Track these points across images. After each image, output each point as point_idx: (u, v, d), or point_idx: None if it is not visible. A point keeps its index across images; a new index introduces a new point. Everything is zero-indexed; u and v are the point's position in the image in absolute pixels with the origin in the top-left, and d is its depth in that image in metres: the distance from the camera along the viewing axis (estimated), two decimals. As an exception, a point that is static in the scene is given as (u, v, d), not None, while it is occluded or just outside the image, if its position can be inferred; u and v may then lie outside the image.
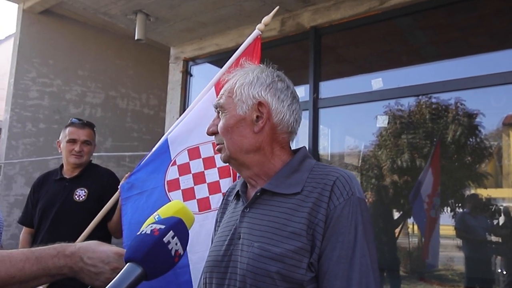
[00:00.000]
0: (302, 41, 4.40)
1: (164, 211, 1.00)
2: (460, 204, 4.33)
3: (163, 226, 0.87)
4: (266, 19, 2.30)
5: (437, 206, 4.02)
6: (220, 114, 1.21)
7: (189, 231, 2.16)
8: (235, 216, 1.20)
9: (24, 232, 2.88)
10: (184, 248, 0.91)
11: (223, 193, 2.07)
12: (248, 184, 1.24)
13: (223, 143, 1.18)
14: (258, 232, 1.09)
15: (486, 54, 3.95)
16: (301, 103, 4.05)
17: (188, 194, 2.18)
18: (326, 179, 1.09)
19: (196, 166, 2.19)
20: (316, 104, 4.14)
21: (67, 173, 2.83)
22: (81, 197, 2.71)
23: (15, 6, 6.94)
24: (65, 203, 2.70)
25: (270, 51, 4.48)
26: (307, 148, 4.12)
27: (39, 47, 6.95)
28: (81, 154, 2.78)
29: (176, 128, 2.27)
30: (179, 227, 0.90)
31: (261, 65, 1.29)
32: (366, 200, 4.67)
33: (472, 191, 4.23)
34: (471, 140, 4.33)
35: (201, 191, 2.15)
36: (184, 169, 2.20)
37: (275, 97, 1.17)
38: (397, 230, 4.57)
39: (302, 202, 1.07)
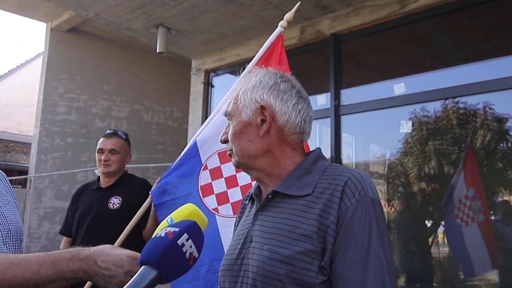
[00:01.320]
0: (322, 48, 4.38)
1: (177, 214, 1.00)
2: (491, 212, 4.17)
3: (177, 229, 0.87)
4: (288, 15, 2.26)
5: (477, 210, 3.87)
6: (230, 121, 1.23)
7: (227, 234, 2.15)
8: (249, 219, 1.21)
9: (64, 242, 2.98)
10: (199, 251, 0.90)
11: None
12: (261, 187, 1.23)
13: (232, 150, 1.20)
14: (268, 235, 1.08)
15: (513, 56, 3.83)
16: (322, 110, 4.02)
17: (222, 199, 2.20)
18: (338, 180, 1.06)
19: (228, 169, 2.19)
20: (337, 111, 4.10)
21: (103, 183, 2.92)
22: (115, 205, 2.76)
23: (43, 25, 7.21)
24: (100, 211, 2.77)
25: (290, 60, 4.41)
26: (329, 156, 4.11)
27: (67, 63, 7.17)
28: (108, 163, 2.84)
29: (204, 131, 2.26)
30: (193, 229, 0.90)
31: (270, 68, 1.28)
32: (394, 209, 4.59)
33: (504, 198, 4.06)
34: (501, 145, 4.17)
35: (234, 194, 2.16)
36: (216, 173, 2.21)
37: (278, 98, 1.16)
38: (427, 239, 4.43)
39: (313, 203, 1.05)
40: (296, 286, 1.00)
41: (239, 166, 1.22)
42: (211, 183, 2.20)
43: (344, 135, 4.23)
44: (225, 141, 1.24)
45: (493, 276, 3.94)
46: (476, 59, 4.03)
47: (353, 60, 4.57)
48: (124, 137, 2.97)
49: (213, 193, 2.19)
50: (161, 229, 0.90)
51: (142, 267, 0.85)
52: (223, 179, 2.20)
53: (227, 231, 2.11)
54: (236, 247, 1.19)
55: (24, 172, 8.55)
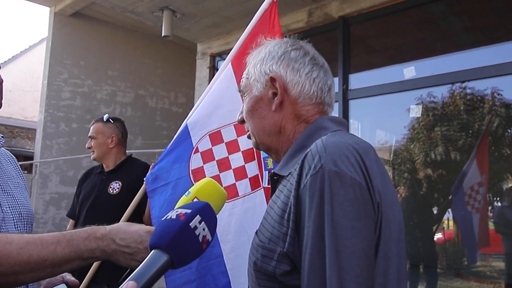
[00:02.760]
0: (330, 32, 4.32)
1: (194, 187, 0.99)
2: (498, 198, 4.16)
3: (189, 211, 0.82)
4: None
5: (480, 196, 3.85)
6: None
7: (219, 221, 2.08)
8: None
9: (70, 225, 3.01)
10: (213, 234, 0.85)
11: (249, 178, 2.01)
12: None
13: (249, 130, 1.12)
14: (262, 220, 1.01)
15: (526, 39, 3.77)
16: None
17: None
18: (304, 153, 0.92)
19: (220, 151, 2.08)
20: (345, 96, 4.06)
21: (105, 167, 2.92)
22: (115, 189, 2.75)
23: (47, 10, 7.14)
24: (100, 195, 2.76)
25: (298, 44, 4.40)
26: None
27: (71, 48, 7.12)
28: (91, 150, 2.89)
29: (195, 112, 2.15)
30: (206, 211, 0.84)
31: (284, 38, 1.16)
32: (399, 195, 4.57)
33: (510, 185, 4.04)
34: (509, 131, 4.14)
35: (227, 178, 2.05)
36: (207, 156, 2.10)
37: (289, 68, 1.06)
38: (433, 225, 4.42)
39: (287, 183, 0.94)
40: (262, 275, 0.91)
41: (258, 147, 1.13)
42: (202, 166, 2.09)
43: (350, 121, 4.20)
44: (242, 121, 1.15)
45: (499, 262, 3.94)
46: (487, 43, 3.98)
47: (362, 44, 4.52)
48: (104, 120, 2.93)
49: (205, 177, 2.03)
50: (173, 210, 0.84)
51: (153, 251, 0.79)
52: (215, 162, 2.08)
53: (221, 216, 2.04)
54: None
55: (30, 157, 8.57)
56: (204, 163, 2.10)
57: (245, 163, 2.04)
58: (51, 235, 1.06)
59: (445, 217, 4.40)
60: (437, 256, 4.39)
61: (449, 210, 4.29)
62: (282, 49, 1.09)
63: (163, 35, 4.53)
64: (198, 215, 0.81)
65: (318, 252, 0.81)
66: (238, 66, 2.09)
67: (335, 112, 4.16)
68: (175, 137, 2.17)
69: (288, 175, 0.96)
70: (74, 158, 6.75)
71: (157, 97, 8.02)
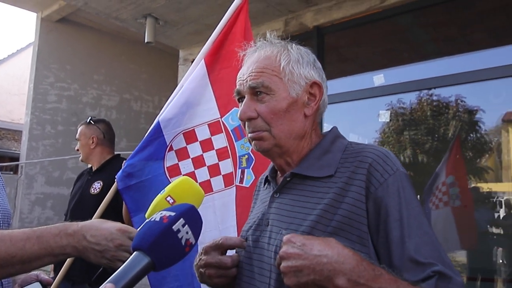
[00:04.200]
0: (305, 40, 4.47)
1: (169, 185, 1.03)
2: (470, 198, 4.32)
3: (173, 213, 0.81)
4: None
5: (454, 196, 4.00)
6: (258, 95, 1.05)
7: None
8: (264, 202, 1.14)
9: None
10: (196, 237, 0.84)
11: (223, 175, 2.08)
12: (277, 168, 1.16)
13: (267, 130, 1.05)
14: (287, 219, 1.01)
15: (485, 50, 4.01)
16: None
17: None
18: (361, 156, 1.00)
19: (194, 150, 2.13)
20: (318, 101, 4.24)
21: (93, 168, 2.97)
22: (96, 189, 2.77)
23: (34, 15, 7.25)
24: (82, 195, 2.81)
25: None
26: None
27: (57, 53, 7.24)
28: (79, 152, 2.96)
29: (166, 110, 2.16)
30: (190, 214, 0.83)
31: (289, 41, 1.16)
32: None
33: (473, 185, 4.25)
34: (471, 135, 4.34)
35: (202, 174, 2.10)
36: (182, 154, 2.13)
37: (320, 77, 1.09)
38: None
39: (334, 184, 0.99)
40: None
41: (270, 151, 1.07)
42: (177, 164, 2.11)
43: (324, 125, 4.39)
44: (250, 119, 1.06)
45: (462, 257, 4.12)
46: (451, 53, 4.21)
47: (335, 52, 4.71)
48: (86, 122, 2.99)
49: (181, 174, 2.10)
50: (157, 212, 0.84)
51: (134, 253, 0.78)
52: (189, 160, 2.11)
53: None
54: (249, 229, 1.13)
55: (16, 158, 8.62)
56: (179, 161, 2.12)
57: (219, 161, 2.09)
58: (21, 231, 1.05)
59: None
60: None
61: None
62: (311, 56, 1.11)
63: (146, 41, 4.66)
64: (181, 218, 0.81)
65: (412, 241, 0.90)
66: (211, 64, 2.14)
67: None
68: (146, 134, 2.15)
69: (328, 176, 1.01)
70: (60, 160, 6.85)
71: (142, 101, 8.17)
